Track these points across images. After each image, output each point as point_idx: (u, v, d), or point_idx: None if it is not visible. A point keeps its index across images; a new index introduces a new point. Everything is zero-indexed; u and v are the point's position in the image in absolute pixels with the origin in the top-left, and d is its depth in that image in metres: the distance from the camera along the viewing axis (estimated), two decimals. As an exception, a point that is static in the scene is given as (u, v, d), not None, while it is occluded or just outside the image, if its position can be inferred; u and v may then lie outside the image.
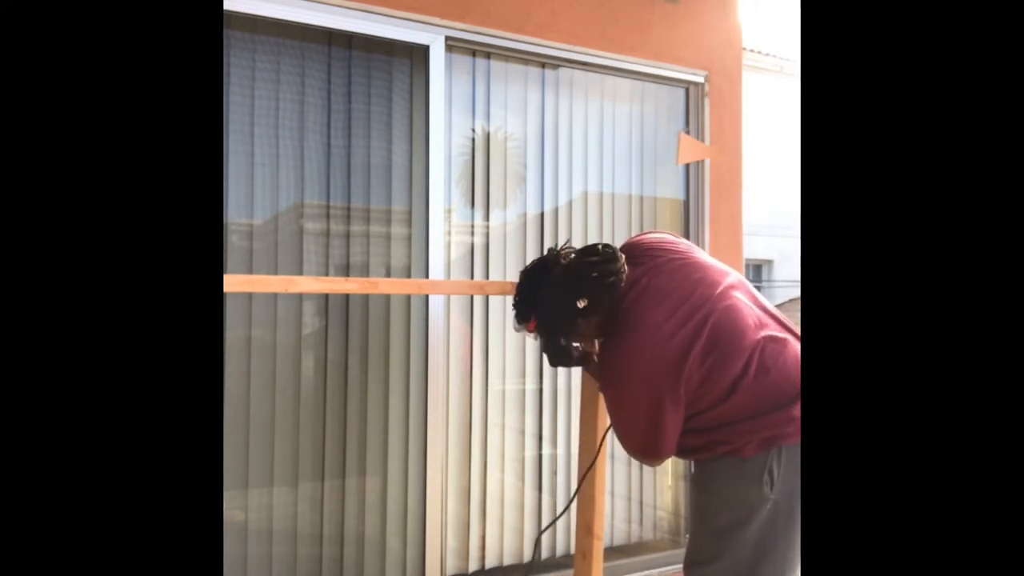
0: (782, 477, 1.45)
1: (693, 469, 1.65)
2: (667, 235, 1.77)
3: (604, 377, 1.63)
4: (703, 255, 1.71)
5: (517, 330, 1.68)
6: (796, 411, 1.45)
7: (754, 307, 1.58)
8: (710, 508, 1.55)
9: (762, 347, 1.51)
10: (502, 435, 2.70)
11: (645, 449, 1.59)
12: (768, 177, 13.14)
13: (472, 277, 2.63)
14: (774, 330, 1.55)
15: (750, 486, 1.46)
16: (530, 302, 1.61)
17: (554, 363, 1.77)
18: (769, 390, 1.48)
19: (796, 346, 1.54)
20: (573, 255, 1.60)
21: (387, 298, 2.48)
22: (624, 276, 1.56)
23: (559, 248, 1.65)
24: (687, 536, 1.74)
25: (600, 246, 1.60)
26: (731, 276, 1.64)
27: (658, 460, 1.63)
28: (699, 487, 1.60)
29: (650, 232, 1.76)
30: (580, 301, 1.54)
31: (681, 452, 1.62)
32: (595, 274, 1.55)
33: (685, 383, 1.48)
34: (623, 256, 1.58)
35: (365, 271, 2.47)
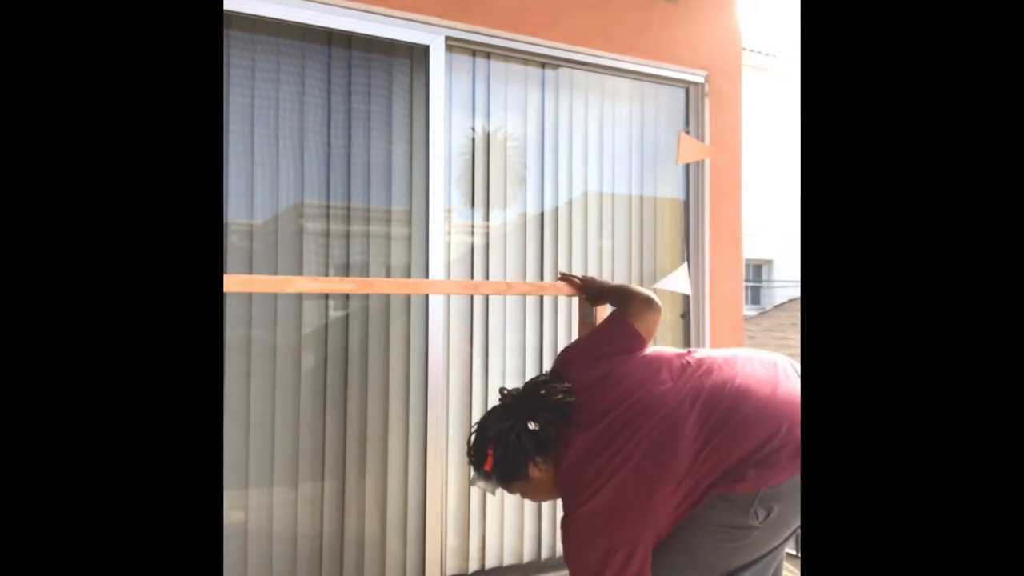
0: (777, 511, 1.41)
1: None
2: (577, 354, 1.69)
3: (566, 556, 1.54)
4: (616, 362, 1.61)
5: (473, 482, 1.61)
6: (772, 452, 1.39)
7: (695, 378, 1.51)
8: (689, 527, 1.47)
9: (710, 422, 1.44)
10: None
11: None
12: (767, 176, 13.14)
13: (472, 277, 2.63)
14: (713, 389, 1.49)
15: (738, 517, 1.41)
16: (484, 434, 1.57)
17: (509, 474, 1.57)
18: (729, 447, 1.41)
19: (738, 388, 1.48)
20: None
21: (387, 298, 2.48)
22: (572, 399, 1.54)
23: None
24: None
25: (544, 373, 1.65)
26: (651, 372, 1.55)
27: None
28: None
29: (564, 356, 1.72)
30: (531, 423, 1.52)
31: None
32: (543, 391, 1.55)
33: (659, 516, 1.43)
34: (568, 383, 1.57)
35: (365, 271, 2.47)
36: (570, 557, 1.49)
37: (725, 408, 1.44)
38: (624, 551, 1.41)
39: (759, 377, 1.50)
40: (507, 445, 1.52)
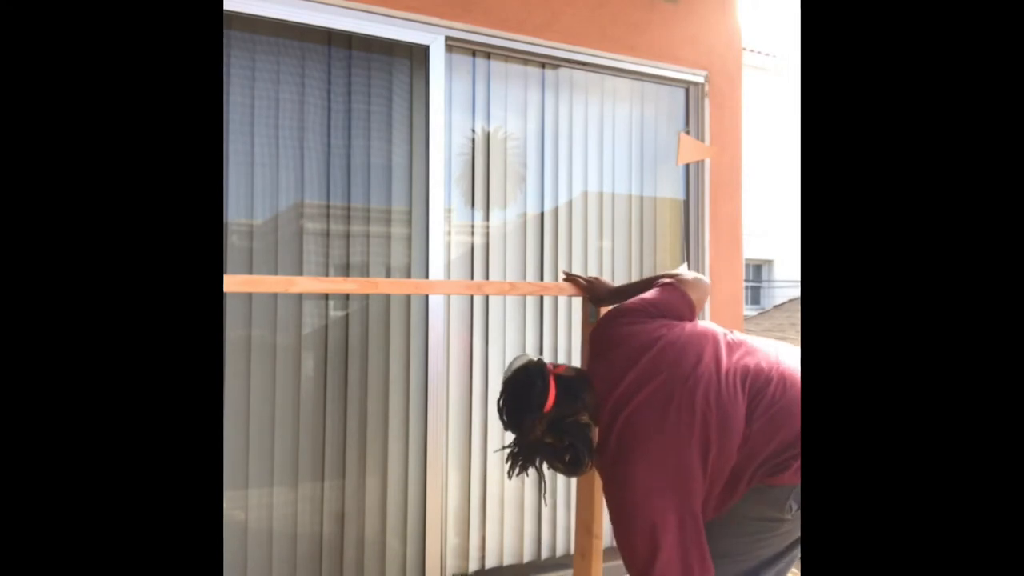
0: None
1: None
2: (631, 312, 1.64)
3: (607, 501, 1.52)
4: (670, 324, 1.59)
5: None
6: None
7: (738, 357, 1.51)
8: (722, 520, 1.48)
9: (756, 402, 1.43)
10: (502, 435, 2.70)
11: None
12: (767, 177, 13.14)
13: (472, 277, 2.63)
14: (759, 371, 1.48)
15: (772, 510, 1.41)
16: (515, 423, 1.55)
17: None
18: (773, 430, 1.41)
19: (783, 373, 1.48)
20: (548, 439, 1.51)
21: (387, 298, 2.48)
22: (593, 413, 1.51)
23: (545, 367, 1.56)
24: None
25: (567, 455, 1.51)
26: (704, 342, 1.54)
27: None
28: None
29: (616, 312, 1.67)
30: (565, 456, 1.52)
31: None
32: (554, 465, 1.53)
33: (699, 490, 1.41)
34: (587, 459, 1.50)
35: (365, 271, 2.47)
36: (623, 512, 1.45)
37: (770, 394, 1.44)
38: (679, 516, 1.39)
39: (796, 368, 1.50)
40: (538, 456, 1.55)
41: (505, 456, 1.59)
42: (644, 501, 1.41)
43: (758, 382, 1.46)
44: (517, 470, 1.57)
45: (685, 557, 1.39)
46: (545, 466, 1.58)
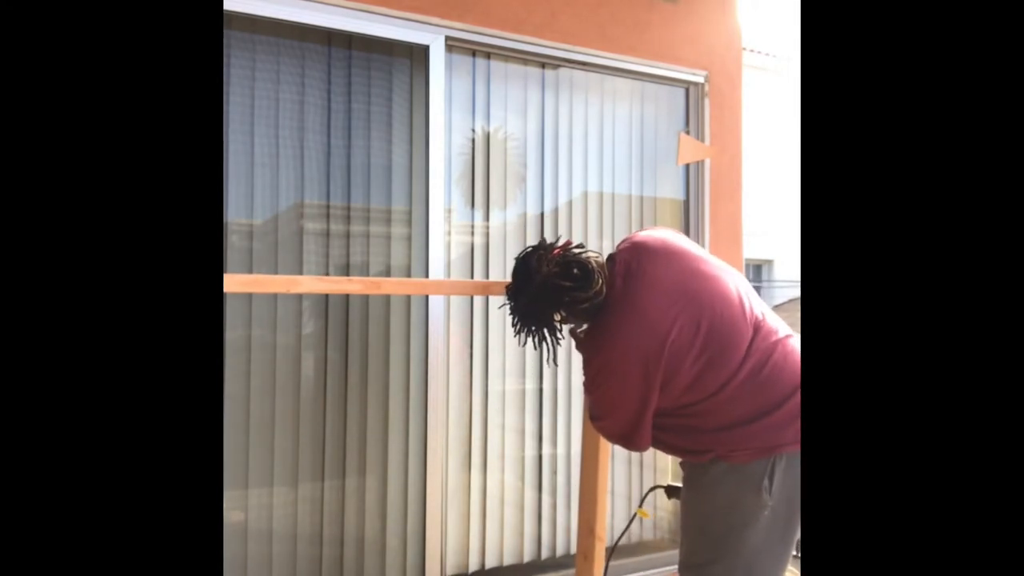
0: (781, 483, 1.44)
1: (686, 471, 1.63)
2: (668, 233, 1.71)
3: (589, 355, 1.62)
4: (702, 251, 1.68)
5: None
6: (792, 414, 1.44)
7: (750, 304, 1.57)
8: (706, 512, 1.53)
9: (756, 346, 1.50)
10: (502, 435, 2.70)
11: (622, 435, 1.61)
12: (767, 176, 13.14)
13: (472, 277, 2.63)
14: (769, 328, 1.55)
15: (748, 492, 1.44)
16: (513, 302, 1.64)
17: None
18: (763, 391, 1.47)
19: (791, 344, 1.54)
20: (555, 268, 1.53)
21: (387, 298, 2.48)
22: (601, 295, 1.54)
23: (549, 247, 1.59)
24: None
25: (575, 268, 1.53)
26: (729, 271, 1.62)
27: (634, 447, 1.62)
28: (695, 490, 1.58)
29: (652, 229, 1.73)
30: (556, 316, 1.60)
31: (674, 452, 1.61)
32: (567, 299, 1.54)
33: (673, 378, 1.48)
34: (599, 277, 1.53)
35: (365, 271, 2.47)
36: (591, 379, 1.62)
37: (772, 359, 1.54)
38: (640, 386, 1.51)
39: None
40: (533, 323, 1.62)
41: (512, 318, 1.63)
42: (628, 363, 1.52)
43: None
44: (523, 327, 1.63)
45: (637, 420, 1.54)
46: (558, 319, 1.63)
